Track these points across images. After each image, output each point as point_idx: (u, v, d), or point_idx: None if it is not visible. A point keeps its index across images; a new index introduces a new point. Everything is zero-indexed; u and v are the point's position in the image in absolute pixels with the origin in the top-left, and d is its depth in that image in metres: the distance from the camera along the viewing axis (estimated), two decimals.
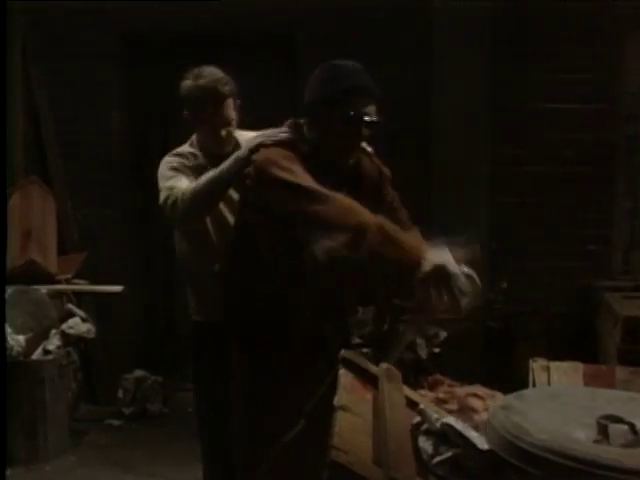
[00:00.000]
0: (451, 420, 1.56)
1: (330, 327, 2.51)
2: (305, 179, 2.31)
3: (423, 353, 4.23)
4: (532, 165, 5.15)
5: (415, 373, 3.85)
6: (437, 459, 1.52)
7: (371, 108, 2.44)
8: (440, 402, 2.27)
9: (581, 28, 5.07)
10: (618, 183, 5.22)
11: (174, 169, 3.01)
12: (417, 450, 1.57)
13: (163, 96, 5.85)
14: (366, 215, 2.21)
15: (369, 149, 2.69)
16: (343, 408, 1.58)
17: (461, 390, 3.09)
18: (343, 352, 1.85)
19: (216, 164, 2.82)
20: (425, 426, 1.60)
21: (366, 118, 2.42)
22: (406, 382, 2.15)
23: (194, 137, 3.20)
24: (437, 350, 4.31)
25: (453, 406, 2.16)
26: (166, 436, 4.98)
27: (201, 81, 3.02)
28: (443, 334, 4.32)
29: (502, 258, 4.95)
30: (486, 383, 4.13)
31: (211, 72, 3.06)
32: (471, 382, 3.86)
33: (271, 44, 5.46)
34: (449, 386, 2.52)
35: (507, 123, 5.12)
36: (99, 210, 5.51)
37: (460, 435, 1.53)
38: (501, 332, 4.70)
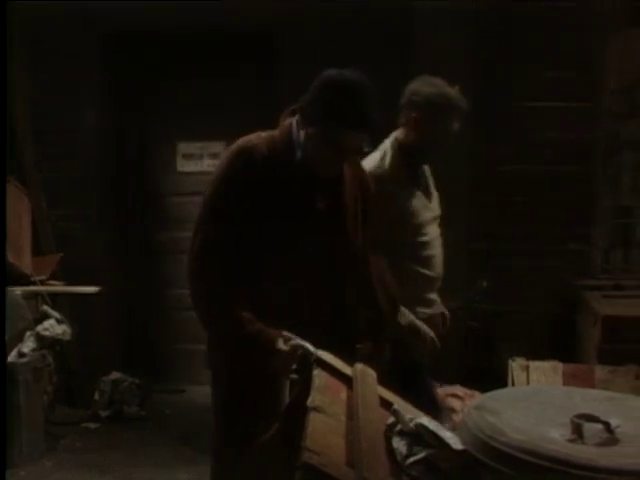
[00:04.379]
0: (425, 420, 1.54)
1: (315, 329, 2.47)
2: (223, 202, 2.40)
3: None
4: (514, 164, 5.15)
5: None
6: (411, 459, 1.50)
7: (364, 138, 2.41)
8: None
9: (564, 27, 5.08)
10: (599, 182, 5.23)
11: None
12: (391, 451, 1.55)
13: (141, 95, 5.82)
14: None
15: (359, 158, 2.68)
16: (316, 409, 1.55)
17: (440, 390, 3.09)
18: (318, 352, 1.82)
19: None
20: (399, 427, 1.57)
21: (352, 149, 2.41)
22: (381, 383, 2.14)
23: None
24: None
25: None
26: (143, 438, 4.93)
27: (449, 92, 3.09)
28: None
29: (483, 257, 4.95)
30: (467, 383, 4.13)
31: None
32: (451, 382, 3.84)
33: (253, 44, 5.43)
34: None
35: (490, 122, 5.12)
36: (75, 210, 5.45)
37: (434, 435, 1.50)
38: (482, 332, 4.70)
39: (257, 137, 2.48)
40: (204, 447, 4.01)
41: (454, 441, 1.50)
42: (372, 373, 1.81)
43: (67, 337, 4.84)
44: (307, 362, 2.28)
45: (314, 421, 1.49)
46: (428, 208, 3.21)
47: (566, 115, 5.12)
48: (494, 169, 5.12)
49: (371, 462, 1.34)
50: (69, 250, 5.34)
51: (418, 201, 3.14)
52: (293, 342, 2.31)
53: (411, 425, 1.55)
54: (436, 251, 3.18)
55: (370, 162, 3.03)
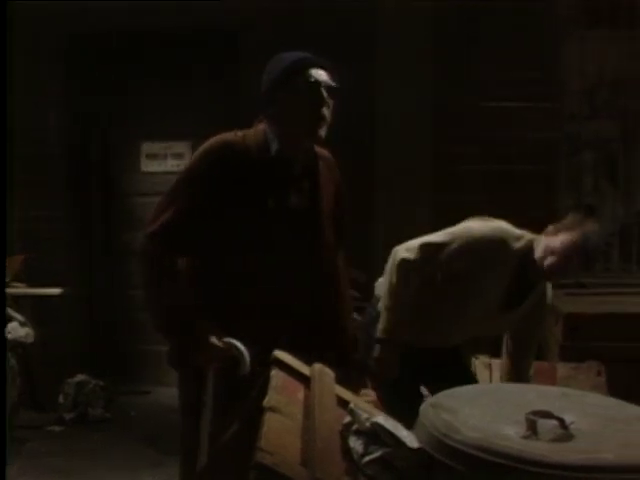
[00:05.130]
0: (381, 419, 1.54)
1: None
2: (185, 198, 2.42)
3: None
4: (478, 163, 5.18)
5: (359, 373, 3.83)
6: (367, 458, 1.50)
7: (329, 74, 2.47)
8: None
9: (528, 28, 5.13)
10: (561, 182, 5.29)
11: None
12: (348, 450, 1.55)
13: (105, 95, 5.78)
14: None
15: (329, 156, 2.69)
16: (272, 409, 1.55)
17: None
18: (275, 352, 1.82)
19: None
20: (355, 426, 1.58)
21: (323, 81, 2.44)
22: (350, 382, 2.14)
23: None
24: None
25: None
26: (108, 441, 4.90)
27: None
28: None
29: None
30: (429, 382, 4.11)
31: None
32: None
33: (218, 43, 5.42)
34: None
35: (454, 122, 5.15)
36: (38, 211, 5.40)
37: (390, 434, 1.51)
38: None
39: (233, 135, 2.50)
40: (169, 449, 3.99)
41: (410, 439, 1.51)
42: (330, 373, 1.81)
43: (30, 339, 4.80)
44: (238, 364, 2.32)
45: (269, 421, 1.49)
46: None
47: (529, 115, 5.17)
48: (458, 169, 5.15)
49: (325, 461, 1.34)
50: (32, 251, 5.29)
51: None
52: (227, 340, 2.33)
53: (367, 424, 1.55)
54: None
55: None
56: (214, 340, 2.36)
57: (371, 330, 3.12)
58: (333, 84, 2.46)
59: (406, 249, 3.07)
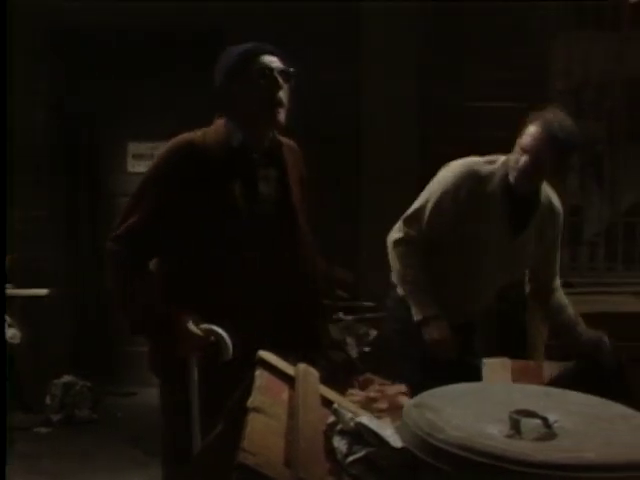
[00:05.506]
0: (364, 419, 1.54)
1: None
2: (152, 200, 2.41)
3: (353, 352, 4.23)
4: None
5: (346, 372, 3.83)
6: (351, 458, 1.50)
7: (282, 60, 2.49)
8: (370, 401, 2.25)
9: (514, 28, 5.14)
10: (547, 181, 5.29)
11: None
12: (332, 450, 1.55)
13: (92, 95, 5.76)
14: None
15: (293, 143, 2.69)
16: (256, 409, 1.55)
17: (392, 389, 3.10)
18: (259, 352, 1.82)
19: None
20: (340, 426, 1.58)
21: (276, 66, 2.45)
22: (337, 381, 2.14)
23: None
24: (367, 349, 4.31)
25: (383, 405, 2.15)
26: (95, 442, 4.90)
27: None
28: (373, 333, 4.32)
29: None
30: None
31: None
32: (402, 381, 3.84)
33: (204, 43, 5.40)
34: (380, 385, 2.51)
35: (440, 122, 5.16)
36: (25, 211, 5.38)
37: (374, 434, 1.51)
38: None
39: (193, 134, 2.50)
40: (156, 450, 3.98)
41: (394, 439, 1.51)
42: (314, 372, 1.81)
43: (16, 340, 4.79)
44: (220, 350, 2.32)
45: (253, 422, 1.49)
46: None
47: (516, 115, 5.17)
48: None
49: (308, 461, 1.34)
50: (19, 251, 5.27)
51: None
52: (206, 326, 2.33)
53: (351, 424, 1.55)
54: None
55: None
56: (193, 328, 2.36)
57: (391, 323, 3.12)
58: (286, 68, 2.48)
59: (394, 231, 3.10)
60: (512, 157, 2.93)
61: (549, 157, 2.85)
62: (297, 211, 2.58)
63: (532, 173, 2.89)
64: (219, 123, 2.53)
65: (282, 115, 2.47)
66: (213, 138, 2.48)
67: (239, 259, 2.43)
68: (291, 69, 2.50)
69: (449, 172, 3.02)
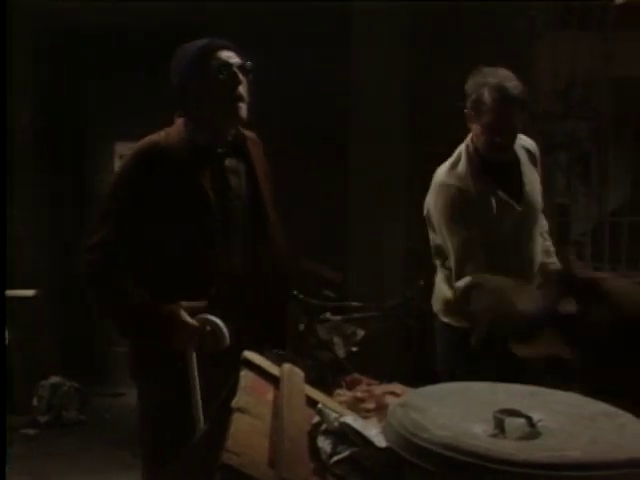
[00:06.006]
0: (349, 419, 1.54)
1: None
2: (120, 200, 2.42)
3: (341, 352, 4.23)
4: None
5: (333, 372, 3.84)
6: (335, 458, 1.50)
7: (238, 55, 2.49)
8: (358, 401, 2.25)
9: (500, 28, 5.15)
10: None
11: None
12: (317, 450, 1.55)
13: (78, 95, 5.74)
14: None
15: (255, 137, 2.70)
16: (241, 410, 1.54)
17: (379, 389, 3.10)
18: (245, 353, 1.82)
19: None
20: (324, 426, 1.57)
21: (234, 62, 2.45)
22: (324, 382, 2.14)
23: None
24: (355, 349, 4.31)
25: (371, 405, 2.15)
26: (83, 443, 4.90)
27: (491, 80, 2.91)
28: (361, 333, 4.33)
29: (419, 256, 4.98)
30: (404, 381, 4.16)
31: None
32: (390, 380, 3.87)
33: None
34: (367, 385, 2.51)
35: (425, 121, 5.16)
36: (11, 212, 5.35)
37: (358, 434, 1.51)
38: (419, 329, 4.73)
39: (157, 135, 2.50)
40: None
41: (378, 439, 1.51)
42: (299, 372, 1.81)
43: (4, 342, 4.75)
44: (216, 338, 2.31)
45: (238, 422, 1.48)
46: None
47: None
48: (432, 168, 5.15)
49: (292, 462, 1.34)
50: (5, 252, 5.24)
51: None
52: (201, 316, 2.33)
53: (336, 424, 1.55)
54: None
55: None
56: (188, 318, 2.35)
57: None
58: (244, 63, 2.48)
59: (458, 281, 2.88)
60: (468, 138, 2.96)
61: (494, 107, 2.84)
62: (267, 204, 2.58)
63: (491, 134, 2.88)
64: (179, 122, 2.53)
65: (244, 110, 2.47)
66: (176, 138, 2.48)
67: (215, 255, 2.42)
68: (248, 63, 2.50)
69: (439, 197, 2.99)
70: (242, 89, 2.46)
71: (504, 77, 2.91)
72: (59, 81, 5.68)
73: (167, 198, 2.39)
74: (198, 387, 2.38)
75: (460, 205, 2.91)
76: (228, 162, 2.53)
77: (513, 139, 2.96)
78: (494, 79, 2.89)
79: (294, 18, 5.15)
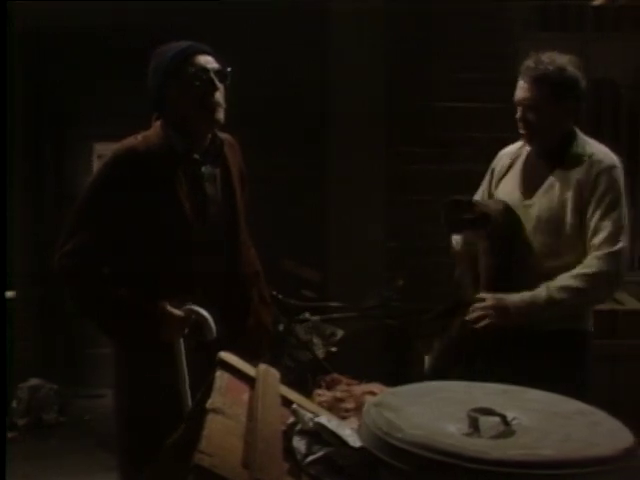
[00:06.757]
0: (323, 419, 1.54)
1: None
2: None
3: (320, 352, 4.23)
4: (430, 164, 5.21)
5: (313, 373, 3.83)
6: (310, 458, 1.50)
7: (215, 59, 2.48)
8: (338, 401, 2.25)
9: (482, 29, 5.17)
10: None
11: None
12: (292, 450, 1.55)
13: (57, 95, 5.71)
14: None
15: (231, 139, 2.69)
16: (215, 411, 1.54)
17: (359, 388, 3.10)
18: (220, 353, 1.81)
19: None
20: (299, 426, 1.57)
21: (211, 67, 2.44)
22: (304, 382, 2.14)
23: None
24: (334, 349, 4.31)
25: (350, 405, 2.15)
26: (63, 445, 4.87)
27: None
28: (340, 333, 4.33)
29: (399, 256, 4.99)
30: (384, 381, 4.17)
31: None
32: (370, 380, 3.88)
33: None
34: (347, 385, 2.51)
35: (408, 121, 5.17)
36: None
37: (332, 433, 1.51)
38: (398, 329, 4.73)
39: (134, 139, 2.48)
40: None
41: (353, 439, 1.51)
42: (275, 373, 1.81)
43: None
44: (201, 328, 2.32)
45: (212, 423, 1.48)
46: None
47: (484, 115, 5.21)
48: (412, 169, 5.18)
49: (266, 462, 1.34)
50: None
51: None
52: (187, 307, 2.32)
53: (310, 424, 1.55)
54: None
55: None
56: (173, 310, 2.35)
57: None
58: (222, 68, 2.47)
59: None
60: None
61: (528, 92, 2.72)
62: (240, 213, 2.59)
63: (523, 121, 2.79)
64: (157, 125, 2.51)
65: (221, 114, 2.46)
66: (154, 142, 2.46)
67: (189, 262, 2.42)
68: (228, 69, 2.49)
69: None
70: (219, 95, 2.45)
71: (544, 59, 2.75)
72: (38, 81, 5.65)
73: (143, 205, 2.39)
74: (187, 379, 2.37)
75: None
76: (204, 169, 2.51)
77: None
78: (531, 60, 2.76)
79: (273, 18, 5.14)
